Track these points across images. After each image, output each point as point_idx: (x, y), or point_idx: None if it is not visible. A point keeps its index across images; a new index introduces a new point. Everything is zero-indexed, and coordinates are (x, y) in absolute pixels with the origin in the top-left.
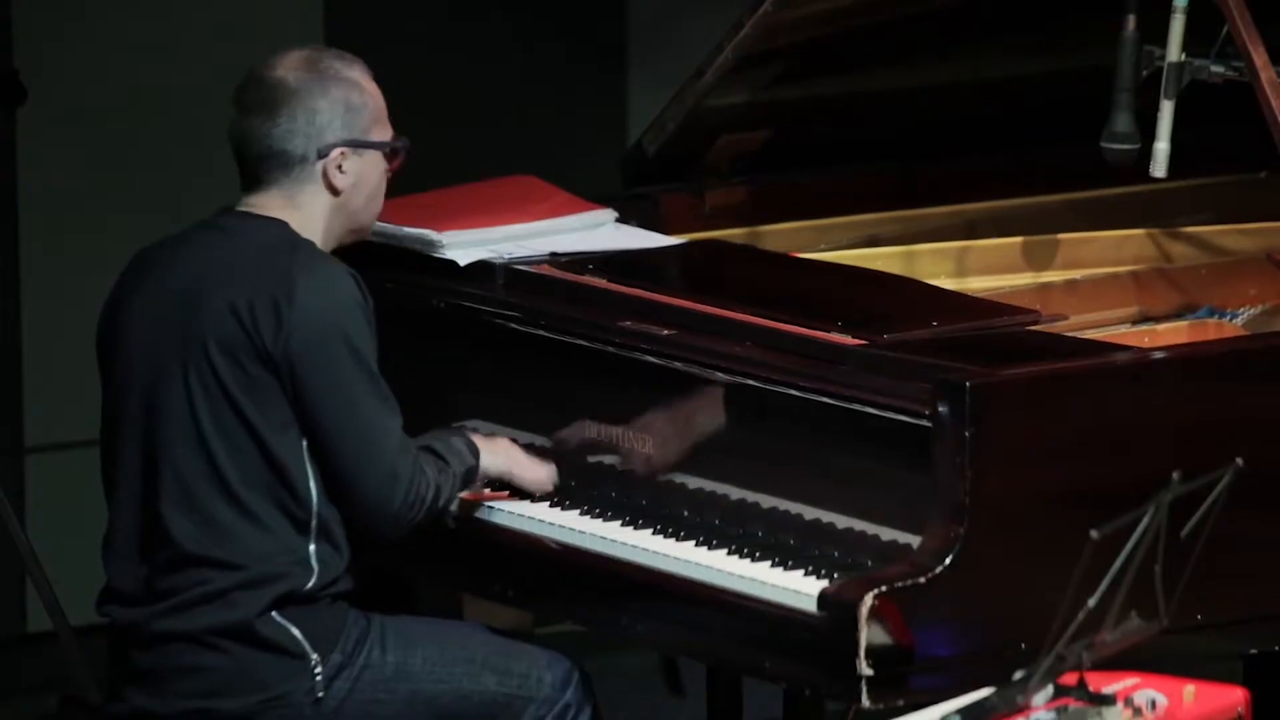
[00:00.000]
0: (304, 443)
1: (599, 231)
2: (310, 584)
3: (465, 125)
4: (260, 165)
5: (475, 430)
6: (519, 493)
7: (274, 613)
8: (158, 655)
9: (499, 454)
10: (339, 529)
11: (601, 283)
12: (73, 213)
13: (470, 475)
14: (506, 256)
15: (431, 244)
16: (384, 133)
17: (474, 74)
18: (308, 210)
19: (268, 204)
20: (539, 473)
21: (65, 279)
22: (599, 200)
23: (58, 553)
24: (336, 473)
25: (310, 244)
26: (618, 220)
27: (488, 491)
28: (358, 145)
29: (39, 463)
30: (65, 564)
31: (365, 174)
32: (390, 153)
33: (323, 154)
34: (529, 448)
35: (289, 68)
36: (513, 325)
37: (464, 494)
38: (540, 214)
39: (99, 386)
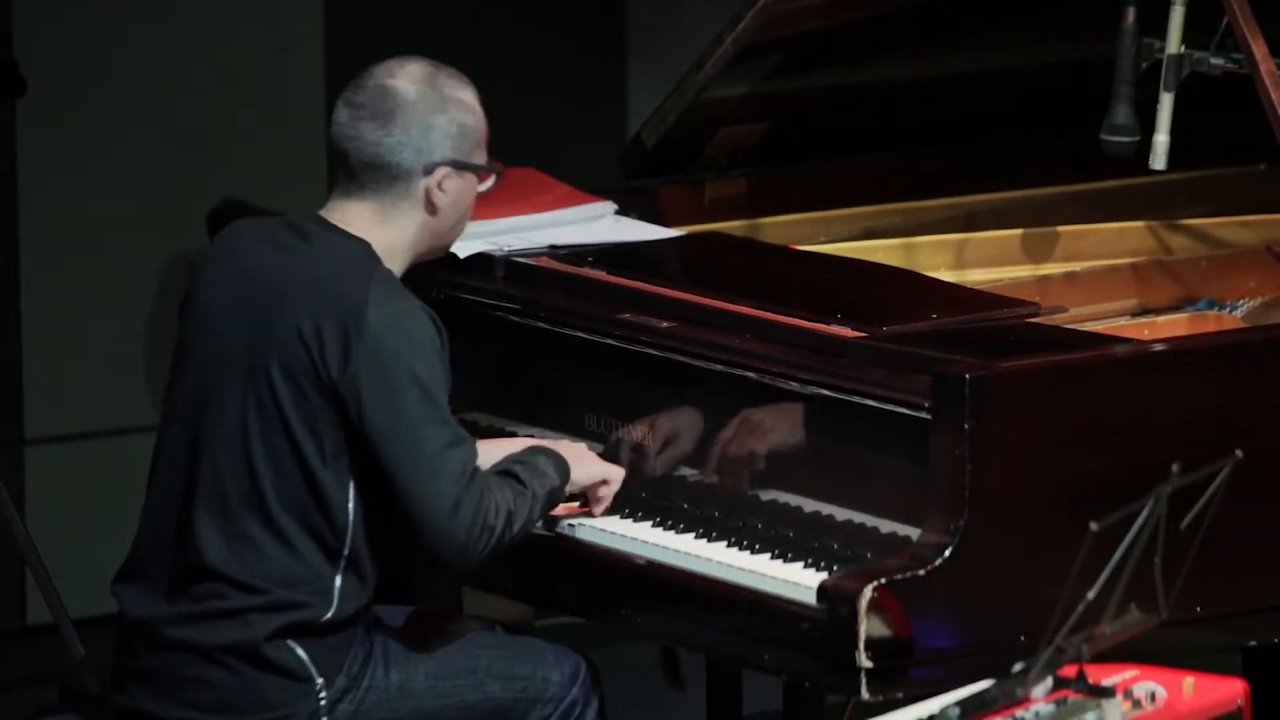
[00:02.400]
0: (353, 475)
1: (598, 224)
2: (327, 616)
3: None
4: (364, 171)
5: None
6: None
7: (284, 637)
8: (165, 660)
9: (593, 467)
10: (369, 564)
11: (601, 275)
12: (72, 204)
13: (555, 495)
14: (506, 249)
15: None
16: (483, 156)
17: (473, 67)
18: (398, 225)
19: (359, 213)
20: (620, 473)
21: (65, 270)
22: (598, 193)
23: (57, 545)
24: (400, 507)
25: (389, 275)
26: (617, 213)
27: (575, 506)
28: (461, 167)
29: (38, 455)
30: (65, 556)
31: (462, 195)
32: (484, 175)
33: (429, 171)
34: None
35: (410, 79)
36: (512, 318)
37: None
38: (540, 206)
39: (98, 379)
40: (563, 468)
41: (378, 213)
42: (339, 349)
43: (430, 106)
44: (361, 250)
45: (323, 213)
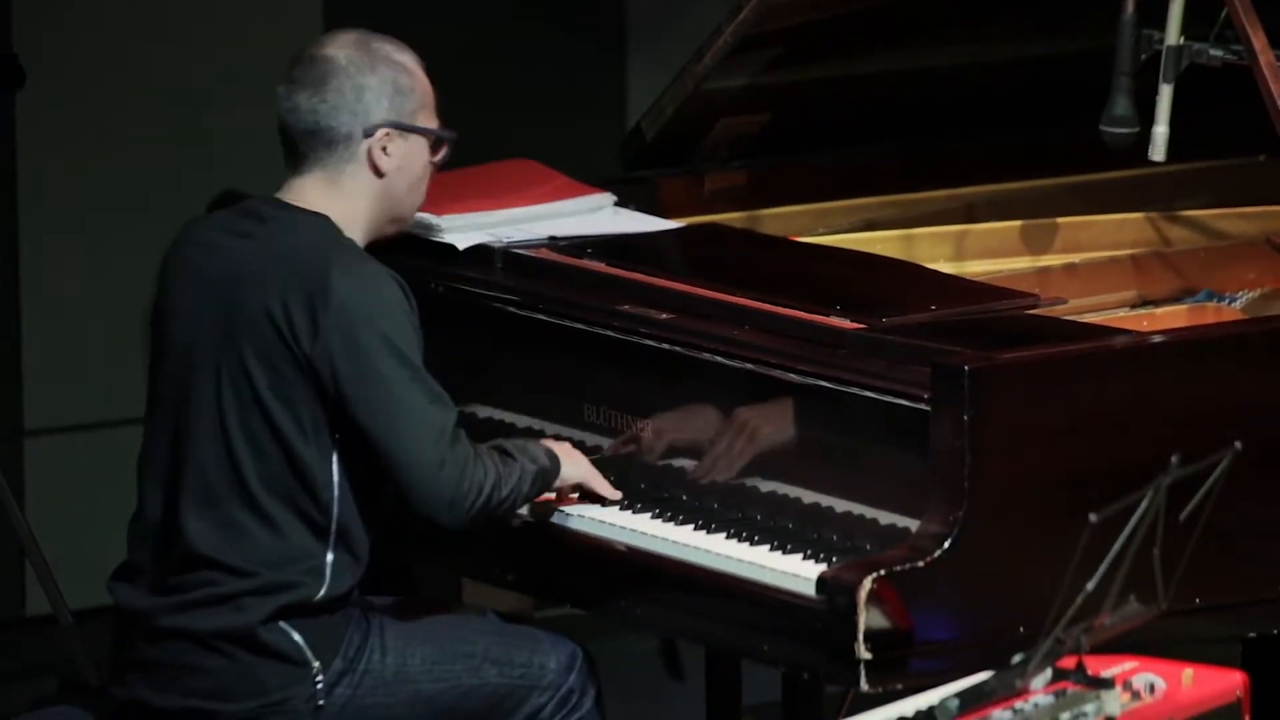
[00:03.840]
0: (334, 448)
1: (598, 215)
2: (320, 594)
3: (464, 109)
4: (305, 142)
5: (554, 438)
6: (590, 497)
7: (279, 620)
8: (162, 650)
9: (580, 463)
10: (359, 538)
11: (600, 266)
12: (71, 196)
13: (544, 476)
14: (505, 240)
15: (430, 228)
16: (430, 121)
17: (473, 58)
18: (349, 193)
19: (310, 188)
20: (613, 492)
21: (64, 262)
22: (598, 184)
23: (57, 536)
24: (388, 469)
25: (350, 243)
26: (616, 204)
27: (554, 496)
28: (403, 128)
29: (38, 446)
30: (64, 548)
31: (409, 159)
32: (435, 142)
33: (368, 133)
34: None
35: (340, 46)
36: (511, 309)
37: (547, 496)
38: (539, 198)
39: (97, 370)
40: (553, 455)
41: (327, 183)
42: (307, 320)
43: (360, 68)
44: (320, 223)
45: (278, 194)
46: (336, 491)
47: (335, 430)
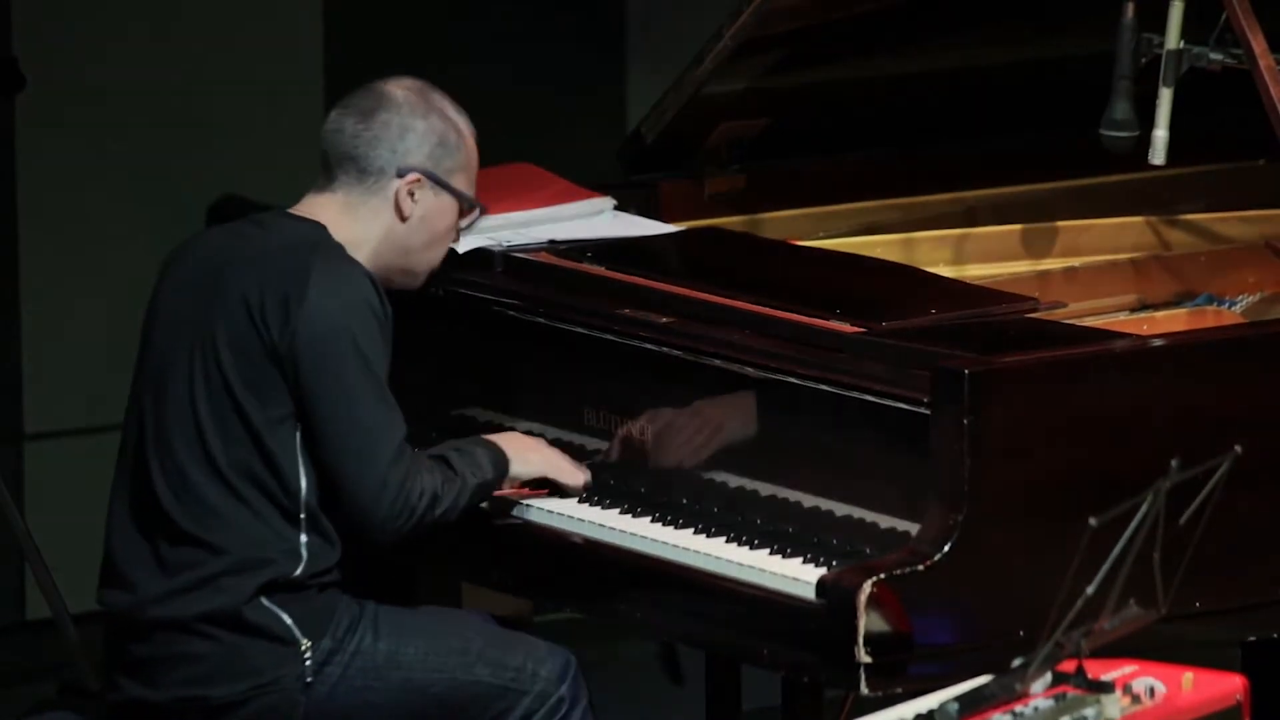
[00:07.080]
0: (298, 436)
1: (597, 219)
2: (298, 571)
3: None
4: (339, 164)
5: (513, 430)
6: (557, 491)
7: (262, 598)
8: (150, 645)
9: (532, 461)
10: (332, 522)
11: (600, 270)
12: (71, 200)
13: (487, 488)
14: (505, 244)
15: None
16: (466, 187)
17: (473, 61)
18: (363, 225)
19: (327, 207)
20: (577, 476)
21: (64, 265)
22: (597, 188)
23: (56, 540)
24: (328, 472)
25: (337, 246)
26: (616, 208)
27: (526, 490)
28: (436, 181)
29: (38, 450)
30: (64, 552)
31: (434, 215)
32: (465, 209)
33: (401, 174)
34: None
35: (400, 85)
36: (511, 313)
37: (503, 491)
38: (539, 201)
39: (97, 374)
40: (500, 462)
41: (344, 206)
42: (279, 311)
43: (413, 110)
44: (314, 228)
45: (292, 208)
46: (304, 480)
47: (300, 420)
